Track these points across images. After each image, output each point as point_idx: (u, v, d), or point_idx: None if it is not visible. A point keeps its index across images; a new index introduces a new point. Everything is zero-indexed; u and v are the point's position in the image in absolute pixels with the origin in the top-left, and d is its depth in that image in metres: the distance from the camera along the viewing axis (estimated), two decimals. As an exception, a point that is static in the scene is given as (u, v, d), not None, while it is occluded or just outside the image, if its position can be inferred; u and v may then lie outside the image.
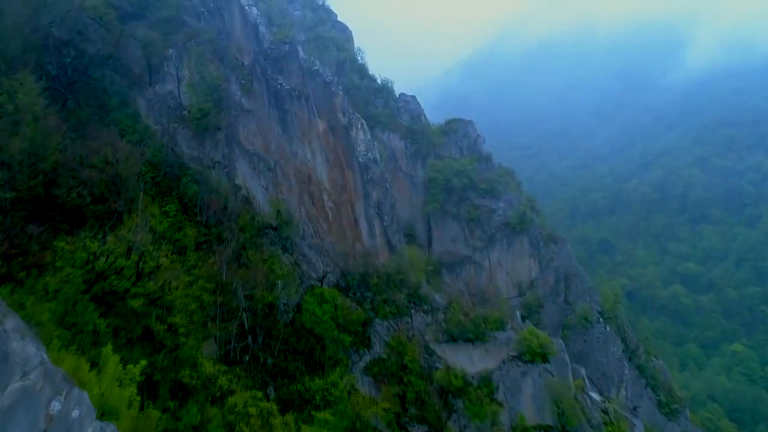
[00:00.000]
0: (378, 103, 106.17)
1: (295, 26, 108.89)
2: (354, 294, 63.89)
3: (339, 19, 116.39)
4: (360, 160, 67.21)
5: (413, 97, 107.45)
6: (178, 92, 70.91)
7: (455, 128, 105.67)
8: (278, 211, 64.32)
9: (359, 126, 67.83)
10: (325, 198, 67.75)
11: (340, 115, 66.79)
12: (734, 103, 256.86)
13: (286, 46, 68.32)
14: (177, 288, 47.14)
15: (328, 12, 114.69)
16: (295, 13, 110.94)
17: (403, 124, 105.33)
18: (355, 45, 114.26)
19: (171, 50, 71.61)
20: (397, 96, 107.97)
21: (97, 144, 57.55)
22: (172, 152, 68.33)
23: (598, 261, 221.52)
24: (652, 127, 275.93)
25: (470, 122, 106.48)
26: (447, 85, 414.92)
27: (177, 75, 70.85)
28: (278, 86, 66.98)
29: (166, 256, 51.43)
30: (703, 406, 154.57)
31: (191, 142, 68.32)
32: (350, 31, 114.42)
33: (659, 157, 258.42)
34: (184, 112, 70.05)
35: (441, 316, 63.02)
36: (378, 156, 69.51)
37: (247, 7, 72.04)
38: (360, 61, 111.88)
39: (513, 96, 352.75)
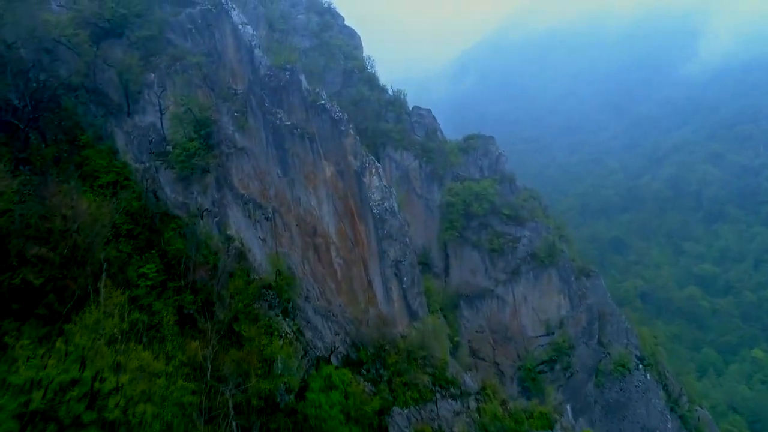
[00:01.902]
0: (389, 118, 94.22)
1: (298, 31, 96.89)
2: (368, 371, 52.62)
3: (347, 22, 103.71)
4: (374, 211, 55.09)
5: (428, 110, 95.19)
6: (161, 124, 59.07)
7: (474, 145, 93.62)
8: (278, 271, 52.81)
9: (373, 171, 55.54)
10: (333, 253, 55.98)
11: (351, 158, 54.52)
12: (751, 97, 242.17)
13: (287, 73, 55.71)
14: (145, 413, 35.77)
15: (335, 15, 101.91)
16: (299, 17, 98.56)
17: (417, 140, 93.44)
18: (364, 52, 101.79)
19: (152, 75, 59.41)
20: (411, 109, 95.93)
21: (57, 200, 46.06)
22: (153, 197, 56.65)
23: (610, 261, 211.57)
24: (665, 121, 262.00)
25: (491, 138, 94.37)
26: (452, 76, 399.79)
27: (159, 104, 58.93)
28: (277, 122, 54.86)
29: (136, 350, 40.18)
30: (724, 417, 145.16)
31: (176, 186, 56.57)
32: (359, 37, 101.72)
33: (672, 152, 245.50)
34: (168, 147, 58.29)
35: (473, 403, 51.81)
36: (396, 206, 57.36)
37: (240, 26, 59.40)
38: (369, 70, 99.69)
39: (520, 87, 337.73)
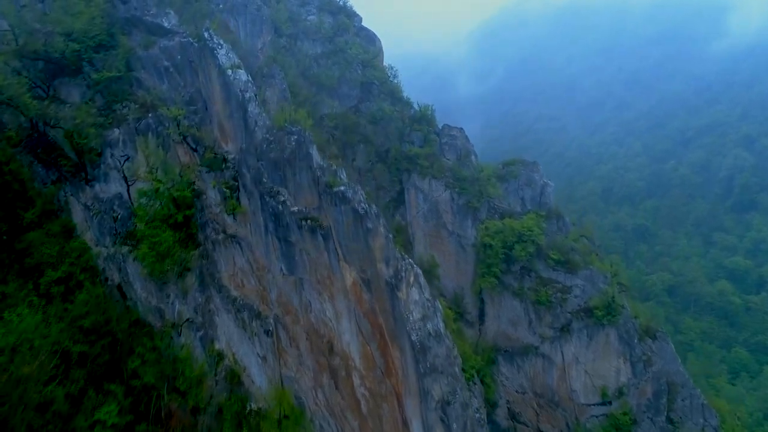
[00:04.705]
0: (415, 138, 77.92)
1: (309, 35, 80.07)
2: None
3: (364, 23, 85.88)
4: (413, 337, 39.07)
5: (460, 129, 78.33)
6: (129, 196, 43.45)
7: (515, 173, 76.86)
8: (282, 411, 38.02)
9: (411, 280, 39.03)
10: (356, 381, 40.58)
11: (380, 265, 38.11)
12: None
13: (293, 139, 39.16)
14: None
15: (351, 15, 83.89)
16: (310, 18, 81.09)
17: (448, 165, 77.18)
18: (384, 60, 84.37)
19: (117, 131, 43.36)
20: (440, 128, 79.47)
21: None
22: (119, 293, 41.44)
23: (636, 251, 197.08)
24: (693, 101, 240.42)
25: (534, 165, 77.54)
26: (467, 50, 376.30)
27: (124, 171, 43.14)
28: (280, 206, 38.87)
29: None
30: (760, 427, 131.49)
31: (148, 284, 41.29)
32: (379, 41, 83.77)
33: (701, 134, 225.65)
34: (137, 226, 42.71)
35: None
36: (442, 327, 40.88)
37: (230, 72, 42.34)
38: (392, 80, 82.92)
39: (539, 62, 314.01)
